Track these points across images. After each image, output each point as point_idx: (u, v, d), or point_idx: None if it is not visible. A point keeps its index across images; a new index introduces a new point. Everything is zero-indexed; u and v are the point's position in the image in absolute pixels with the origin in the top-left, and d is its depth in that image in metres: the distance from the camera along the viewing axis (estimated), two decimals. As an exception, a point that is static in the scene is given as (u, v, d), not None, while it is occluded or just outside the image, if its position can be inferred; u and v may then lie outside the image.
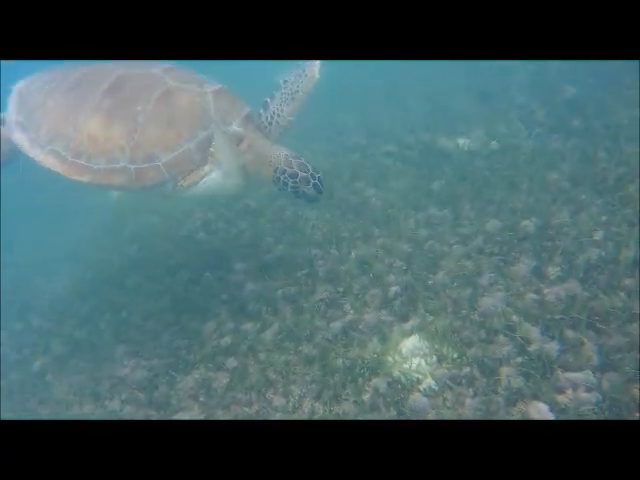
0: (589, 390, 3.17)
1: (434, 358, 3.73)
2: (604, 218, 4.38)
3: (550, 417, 3.06)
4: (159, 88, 4.22)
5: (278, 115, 4.54)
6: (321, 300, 4.63)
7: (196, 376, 4.50)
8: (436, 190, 5.76)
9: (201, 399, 4.28)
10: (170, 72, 4.34)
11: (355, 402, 3.66)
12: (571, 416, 3.02)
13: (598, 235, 4.18)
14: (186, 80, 4.32)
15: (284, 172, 4.16)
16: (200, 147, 4.16)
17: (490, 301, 3.95)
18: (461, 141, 6.60)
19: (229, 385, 4.27)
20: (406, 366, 3.74)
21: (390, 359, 3.84)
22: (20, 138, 4.37)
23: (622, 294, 3.67)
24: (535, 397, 3.23)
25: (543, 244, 4.32)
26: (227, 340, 4.72)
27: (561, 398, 3.19)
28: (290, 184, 4.15)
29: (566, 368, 3.34)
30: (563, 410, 3.11)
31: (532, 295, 3.89)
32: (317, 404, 3.78)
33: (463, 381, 3.50)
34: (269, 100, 4.59)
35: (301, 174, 4.12)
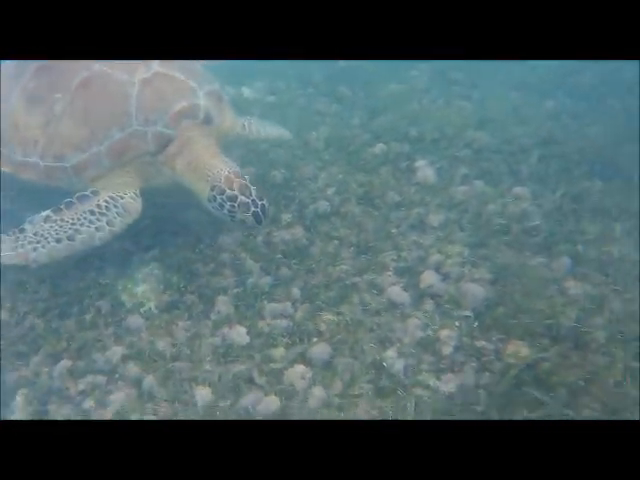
0: (284, 318, 3.69)
1: (162, 286, 3.99)
2: (340, 176, 4.95)
3: (245, 338, 3.54)
4: (82, 73, 3.70)
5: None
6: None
7: None
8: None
9: None
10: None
11: (76, 320, 3.81)
12: (265, 338, 3.52)
13: (330, 191, 4.72)
14: (136, 68, 3.70)
15: (222, 192, 3.54)
16: (112, 152, 3.67)
17: (226, 239, 4.30)
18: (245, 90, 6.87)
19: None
20: (133, 291, 3.95)
21: (122, 284, 4.03)
22: None
23: (336, 242, 4.25)
24: (240, 322, 3.67)
25: (285, 193, 4.77)
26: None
27: (261, 324, 3.66)
28: (227, 207, 3.55)
29: (272, 300, 3.82)
30: (259, 334, 3.59)
31: (261, 237, 4.31)
32: (38, 320, 3.86)
33: (181, 306, 3.83)
34: None
35: (241, 198, 3.53)
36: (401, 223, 4.30)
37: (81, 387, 3.40)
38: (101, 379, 3.44)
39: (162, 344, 3.58)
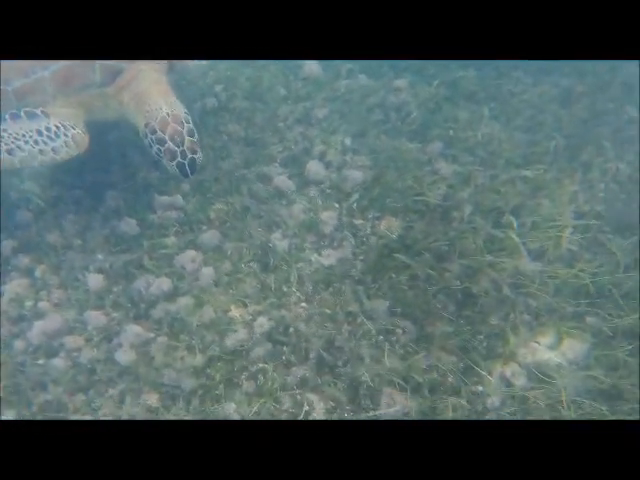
0: (175, 209, 3.80)
1: (48, 181, 3.95)
2: (229, 73, 4.95)
3: (136, 229, 3.64)
4: None
5: None
6: None
7: None
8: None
9: None
10: None
11: None
12: (156, 229, 3.64)
13: (219, 87, 4.75)
14: None
15: (153, 132, 3.29)
16: (56, 78, 3.41)
17: (114, 133, 4.27)
18: None
19: None
20: (20, 187, 3.90)
21: (10, 181, 3.95)
22: None
23: (224, 137, 4.33)
24: (130, 215, 3.76)
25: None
26: None
27: (152, 217, 3.76)
28: (154, 149, 3.31)
29: (162, 193, 3.90)
30: (150, 226, 3.70)
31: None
32: None
33: (68, 201, 3.84)
34: None
35: (169, 145, 3.24)
36: (288, 117, 4.43)
37: (-26, 280, 3.42)
38: (-8, 271, 3.47)
39: (52, 237, 3.61)
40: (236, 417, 2.75)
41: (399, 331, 2.97)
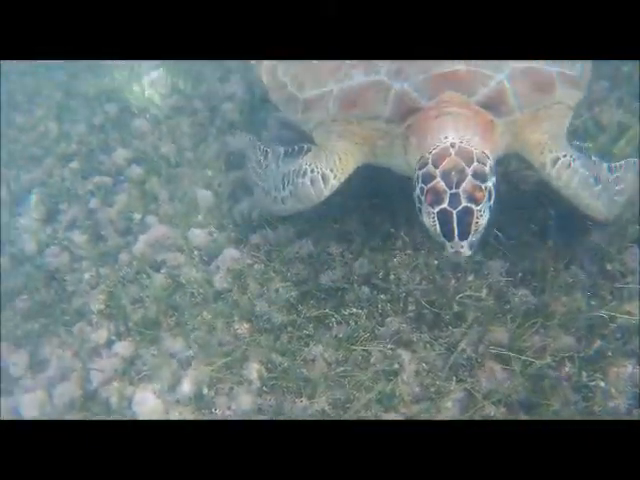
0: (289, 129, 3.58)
1: (169, 90, 3.90)
2: None
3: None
4: None
5: None
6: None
7: None
8: None
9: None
10: None
11: (86, 124, 3.84)
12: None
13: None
14: None
15: (423, 166, 2.25)
16: (342, 96, 2.63)
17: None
18: None
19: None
20: (140, 95, 3.89)
21: (130, 88, 3.96)
22: None
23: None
24: (244, 130, 3.60)
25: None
26: None
27: (265, 133, 3.58)
28: (416, 192, 2.26)
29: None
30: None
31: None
32: (52, 123, 3.93)
33: (186, 112, 3.76)
34: None
35: (437, 182, 2.19)
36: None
37: (89, 187, 3.51)
38: (107, 180, 3.53)
39: (166, 149, 3.58)
40: (321, 362, 2.60)
41: (515, 298, 2.58)
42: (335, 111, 2.62)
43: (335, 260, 2.88)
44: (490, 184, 2.18)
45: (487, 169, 2.19)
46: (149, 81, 3.94)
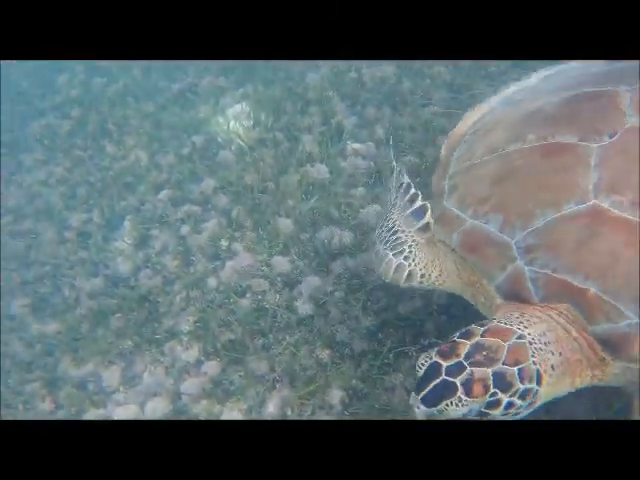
0: (365, 159, 3.72)
1: (251, 122, 4.12)
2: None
3: (326, 175, 3.64)
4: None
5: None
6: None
7: (42, 123, 4.77)
8: None
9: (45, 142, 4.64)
10: None
11: (175, 154, 4.10)
12: (345, 178, 3.60)
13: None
14: None
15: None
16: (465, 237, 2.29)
17: (314, 76, 4.26)
18: None
19: (70, 131, 4.59)
20: (225, 127, 4.12)
21: (215, 120, 4.20)
22: None
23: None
24: (322, 160, 3.76)
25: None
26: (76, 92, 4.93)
27: (343, 163, 3.73)
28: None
29: (355, 140, 3.83)
30: (340, 174, 3.67)
31: (352, 74, 4.22)
32: (142, 153, 4.20)
33: (268, 144, 3.95)
34: None
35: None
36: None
37: (179, 215, 3.75)
38: (196, 208, 3.76)
39: (250, 178, 3.78)
40: (401, 390, 2.70)
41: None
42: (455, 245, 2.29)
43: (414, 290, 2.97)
44: (505, 398, 1.79)
45: (513, 380, 1.79)
46: (233, 113, 4.17)
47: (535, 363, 1.84)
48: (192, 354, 3.14)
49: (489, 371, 1.76)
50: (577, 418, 2.39)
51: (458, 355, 1.79)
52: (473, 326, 1.90)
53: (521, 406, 1.83)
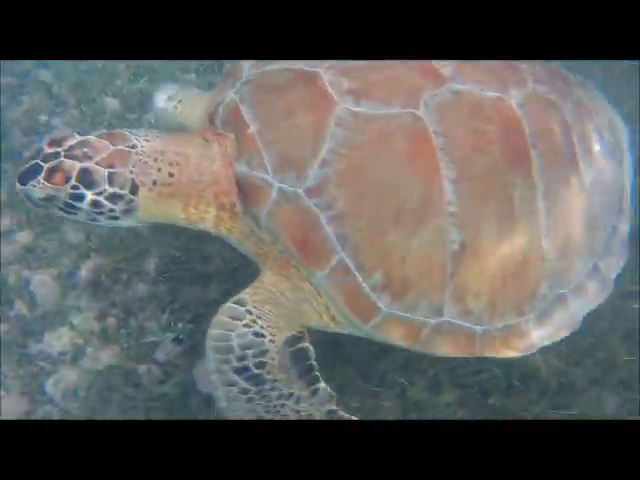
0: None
1: None
2: None
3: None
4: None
5: None
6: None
7: None
8: None
9: None
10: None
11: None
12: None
13: None
14: None
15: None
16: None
17: None
18: None
19: None
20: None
21: None
22: None
23: None
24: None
25: None
26: None
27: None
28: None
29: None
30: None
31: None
32: None
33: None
34: None
35: None
36: None
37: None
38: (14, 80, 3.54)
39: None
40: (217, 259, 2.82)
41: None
42: None
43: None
44: (89, 194, 1.86)
45: (101, 181, 1.86)
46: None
47: (132, 172, 1.90)
48: (4, 223, 3.04)
49: (78, 165, 1.84)
50: (606, 415, 2.46)
51: (62, 146, 1.87)
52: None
53: (113, 210, 1.90)
